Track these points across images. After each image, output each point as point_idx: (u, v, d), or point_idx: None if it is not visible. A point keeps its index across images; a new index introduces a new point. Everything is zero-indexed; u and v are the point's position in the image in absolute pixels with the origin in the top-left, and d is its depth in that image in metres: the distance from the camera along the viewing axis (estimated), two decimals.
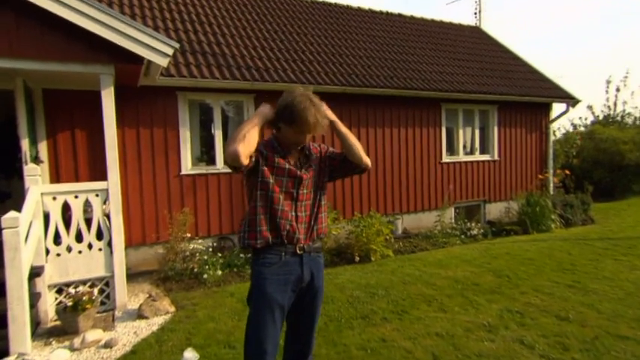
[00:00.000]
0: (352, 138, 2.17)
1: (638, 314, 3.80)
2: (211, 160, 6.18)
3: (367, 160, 2.20)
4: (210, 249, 5.85)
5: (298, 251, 2.06)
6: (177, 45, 4.30)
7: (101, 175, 4.88)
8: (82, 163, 5.25)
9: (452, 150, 8.38)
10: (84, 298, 3.68)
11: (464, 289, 4.60)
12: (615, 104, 15.80)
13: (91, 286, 4.15)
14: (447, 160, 8.17)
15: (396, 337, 3.47)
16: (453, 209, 8.28)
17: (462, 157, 8.39)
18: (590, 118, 16.24)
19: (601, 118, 15.94)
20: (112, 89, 4.12)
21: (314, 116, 1.97)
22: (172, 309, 4.17)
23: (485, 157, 8.71)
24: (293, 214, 2.05)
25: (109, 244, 4.21)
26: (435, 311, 4.01)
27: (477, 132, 8.61)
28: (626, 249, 6.19)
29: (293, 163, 2.08)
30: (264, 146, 2.06)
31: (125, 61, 4.10)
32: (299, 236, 2.05)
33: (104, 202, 4.24)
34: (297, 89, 2.07)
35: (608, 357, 3.08)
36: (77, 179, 5.14)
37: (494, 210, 8.83)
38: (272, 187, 2.01)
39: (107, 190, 4.18)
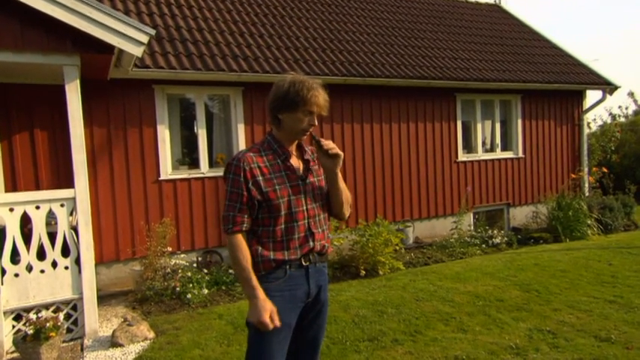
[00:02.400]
0: (346, 193, 2.20)
1: None
2: (194, 163, 6.16)
3: (347, 215, 2.26)
4: (195, 265, 5.83)
5: (304, 262, 2.07)
6: (152, 31, 4.29)
7: (67, 182, 4.86)
8: (43, 168, 5.23)
9: (469, 147, 8.36)
10: (47, 324, 3.62)
11: (486, 306, 4.56)
12: None
13: (55, 311, 4.10)
14: (464, 159, 8.14)
15: None
16: (471, 215, 8.24)
17: (480, 155, 8.37)
18: (632, 107, 16.21)
19: None
20: (77, 83, 4.10)
21: (321, 94, 2.04)
22: (151, 334, 4.14)
23: (508, 155, 8.68)
24: (301, 224, 2.06)
25: (77, 261, 4.17)
26: (454, 331, 3.98)
27: (497, 126, 8.59)
28: None
29: (296, 167, 2.09)
30: (253, 167, 2.00)
31: (92, 51, 4.08)
32: (305, 247, 2.08)
33: (71, 213, 4.21)
34: (289, 75, 2.10)
35: None
36: (38, 187, 5.12)
37: (520, 215, 8.79)
38: (275, 208, 2.01)
39: (74, 199, 4.14)
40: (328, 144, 2.05)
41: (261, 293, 1.94)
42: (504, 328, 4.00)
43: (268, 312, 1.92)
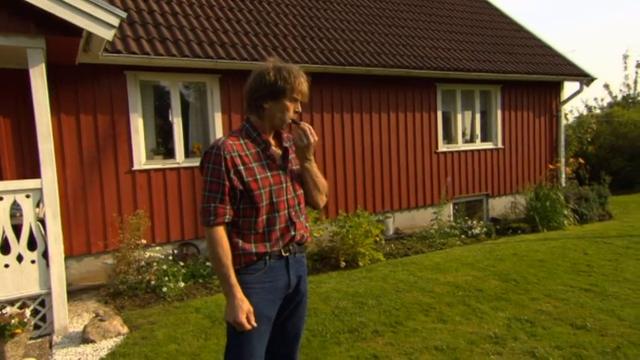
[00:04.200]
0: (321, 180, 2.17)
1: None
2: (169, 153, 6.04)
3: (323, 204, 2.23)
4: (171, 257, 5.74)
5: (284, 253, 2.04)
6: (124, 14, 4.15)
7: (33, 172, 4.71)
8: (6, 157, 5.03)
9: (449, 138, 8.43)
10: (12, 321, 3.52)
11: (466, 296, 4.62)
12: (635, 82, 16.18)
13: (21, 307, 3.98)
14: (444, 150, 8.21)
15: (390, 353, 3.45)
16: (451, 205, 8.34)
17: (460, 146, 8.45)
18: (608, 99, 16.66)
19: (620, 98, 16.32)
20: (43, 67, 3.94)
21: (305, 82, 2.03)
22: (125, 330, 4.06)
23: (488, 146, 8.79)
24: (282, 214, 2.04)
25: (45, 255, 4.05)
26: (434, 322, 4.01)
27: (477, 116, 8.69)
28: None
29: (276, 156, 2.06)
30: (234, 156, 1.93)
31: (59, 33, 3.92)
32: (287, 237, 2.06)
33: (37, 205, 4.08)
34: (268, 61, 2.06)
35: None
36: (1, 177, 4.92)
37: (499, 205, 8.94)
38: (257, 198, 1.97)
39: (41, 189, 4.01)
40: (303, 130, 2.02)
41: (239, 292, 1.90)
42: (484, 318, 4.06)
43: (245, 312, 1.89)
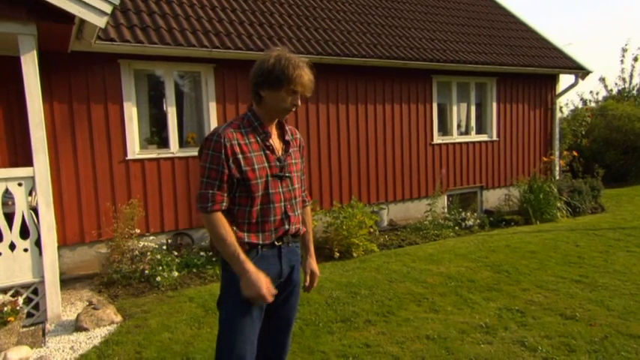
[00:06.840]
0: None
1: None
2: (164, 143, 6.01)
3: None
4: (165, 247, 5.75)
5: (277, 242, 2.05)
6: (116, 1, 4.11)
7: (25, 160, 4.69)
8: None
9: (444, 129, 8.44)
10: (5, 309, 3.52)
11: (458, 287, 4.66)
12: (631, 76, 16.15)
13: (14, 295, 3.97)
14: (439, 142, 8.22)
15: (382, 342, 3.48)
16: (445, 197, 8.37)
17: (455, 138, 8.46)
18: (603, 93, 16.64)
19: (615, 92, 16.30)
20: (34, 54, 3.90)
21: (307, 74, 1.98)
22: (118, 318, 4.07)
23: (483, 138, 8.81)
24: (278, 206, 2.04)
25: (38, 243, 4.03)
26: (426, 312, 4.05)
27: (473, 108, 8.69)
28: None
29: (275, 148, 2.05)
30: (234, 144, 1.93)
31: (50, 19, 3.87)
32: (281, 230, 2.06)
33: (30, 193, 4.06)
34: (274, 50, 2.04)
35: (618, 358, 3.16)
36: None
37: (493, 197, 8.98)
38: (254, 188, 1.97)
39: (33, 177, 3.99)
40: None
41: (251, 266, 1.90)
42: (475, 308, 4.09)
43: (264, 284, 1.90)
